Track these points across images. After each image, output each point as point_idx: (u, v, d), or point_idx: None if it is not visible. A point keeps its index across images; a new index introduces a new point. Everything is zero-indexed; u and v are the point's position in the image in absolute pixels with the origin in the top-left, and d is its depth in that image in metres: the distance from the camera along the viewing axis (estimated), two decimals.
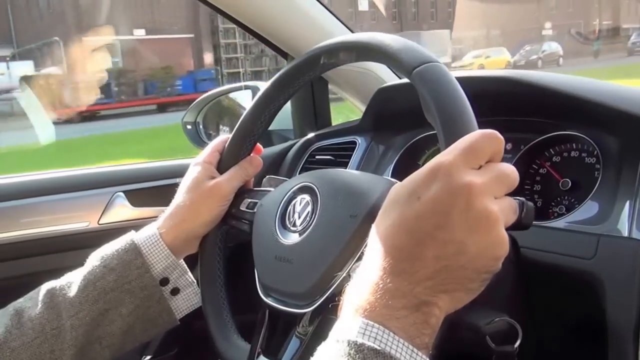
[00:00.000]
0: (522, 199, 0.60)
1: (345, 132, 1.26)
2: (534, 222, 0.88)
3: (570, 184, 0.93)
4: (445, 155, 0.52)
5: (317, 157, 1.27)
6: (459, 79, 0.94)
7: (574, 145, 0.95)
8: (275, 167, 1.31)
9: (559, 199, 0.95)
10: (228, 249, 0.90)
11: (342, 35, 0.79)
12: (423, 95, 0.62)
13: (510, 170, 0.54)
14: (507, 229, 0.63)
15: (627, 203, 0.80)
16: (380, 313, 0.49)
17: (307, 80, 0.82)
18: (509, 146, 1.03)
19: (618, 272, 0.76)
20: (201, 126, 1.51)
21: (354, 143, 1.22)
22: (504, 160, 1.01)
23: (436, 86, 0.61)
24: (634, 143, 0.82)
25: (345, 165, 1.20)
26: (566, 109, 0.90)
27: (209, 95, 1.51)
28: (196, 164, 0.87)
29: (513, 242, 0.87)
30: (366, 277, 0.51)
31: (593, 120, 0.89)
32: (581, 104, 0.85)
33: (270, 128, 1.52)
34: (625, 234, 0.78)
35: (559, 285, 0.83)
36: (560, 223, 0.87)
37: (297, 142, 1.34)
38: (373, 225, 0.55)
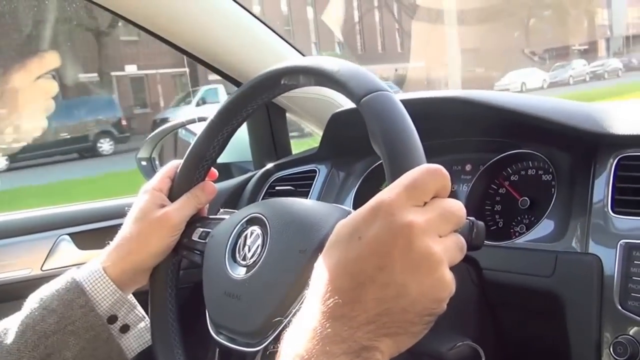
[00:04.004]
0: (472, 218, 0.58)
1: (305, 161, 1.24)
2: (496, 243, 0.88)
3: (529, 203, 0.93)
4: (388, 193, 0.51)
5: (277, 188, 1.25)
6: (412, 101, 0.96)
7: (530, 163, 0.95)
8: (234, 200, 1.28)
9: (519, 217, 0.95)
10: (188, 288, 0.86)
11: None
12: (370, 126, 0.60)
13: (456, 207, 0.52)
14: None
15: (582, 218, 0.80)
16: None
17: (262, 101, 0.79)
18: (469, 167, 1.03)
19: (577, 288, 0.75)
20: (157, 162, 1.48)
21: (314, 172, 1.21)
22: (463, 181, 1.04)
23: (383, 117, 0.59)
24: (584, 158, 0.82)
25: (306, 195, 1.18)
26: (518, 127, 0.90)
27: (163, 130, 1.48)
28: (145, 191, 0.83)
29: (475, 264, 0.86)
30: (305, 322, 0.49)
31: (545, 138, 0.89)
32: (531, 122, 0.86)
33: (229, 160, 1.53)
34: (582, 249, 0.78)
35: (522, 305, 0.82)
36: (520, 242, 0.86)
37: (255, 173, 1.32)
38: (315, 265, 0.52)
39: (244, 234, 0.74)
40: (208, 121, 0.83)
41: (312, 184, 1.18)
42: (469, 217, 0.59)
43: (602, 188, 0.79)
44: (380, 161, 1.16)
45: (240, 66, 1.23)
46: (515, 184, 0.97)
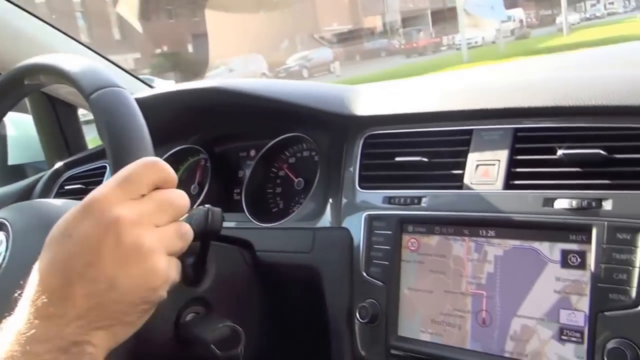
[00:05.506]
0: (208, 206, 0.61)
1: (96, 157, 1.20)
2: (271, 225, 0.92)
3: (303, 183, 0.98)
4: (100, 189, 0.51)
5: (66, 187, 1.20)
6: (171, 94, 0.97)
7: (304, 145, 1.00)
8: None
9: (296, 198, 0.99)
10: None
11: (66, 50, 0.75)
12: (97, 122, 0.61)
13: (175, 197, 0.54)
14: (196, 239, 0.64)
15: (336, 196, 0.86)
16: None
17: (14, 102, 0.76)
18: (253, 152, 1.07)
19: (331, 261, 0.81)
20: None
21: (105, 168, 1.17)
22: (248, 166, 1.07)
23: (108, 114, 0.59)
24: (338, 138, 0.88)
25: None
26: (278, 112, 0.94)
27: None
28: None
29: (250, 247, 0.89)
30: (13, 324, 0.49)
31: (306, 121, 0.94)
32: (281, 107, 0.90)
33: (23, 161, 1.45)
34: (336, 224, 0.84)
35: (289, 281, 0.87)
36: (289, 222, 0.91)
37: (45, 174, 1.25)
38: (33, 267, 0.52)
39: None
40: None
41: (102, 181, 1.15)
42: (206, 205, 0.62)
43: (352, 165, 0.85)
44: (173, 150, 1.16)
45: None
46: (293, 167, 1.01)
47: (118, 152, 0.58)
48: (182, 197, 0.55)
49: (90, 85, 0.62)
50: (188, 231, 0.55)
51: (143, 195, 0.52)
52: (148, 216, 0.51)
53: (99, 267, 0.49)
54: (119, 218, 0.49)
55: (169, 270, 0.52)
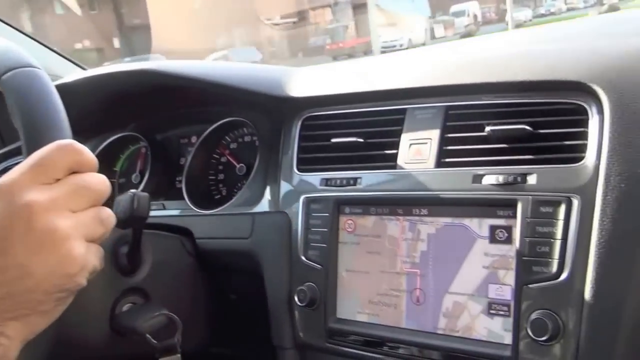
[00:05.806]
0: (135, 191, 0.60)
1: None
2: (211, 212, 0.91)
3: (245, 169, 0.96)
4: (10, 174, 0.49)
5: None
6: (102, 77, 0.94)
7: (245, 130, 0.98)
8: None
9: (239, 184, 0.98)
10: None
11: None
12: (9, 104, 0.58)
13: (93, 181, 0.51)
14: (124, 225, 0.63)
15: (275, 180, 0.85)
16: None
17: None
18: (194, 139, 1.04)
19: (270, 245, 0.81)
20: None
21: None
22: (189, 153, 1.05)
23: (20, 95, 0.57)
24: (277, 123, 0.87)
25: None
26: (215, 95, 0.92)
27: None
28: None
29: (190, 235, 0.88)
30: None
31: (245, 104, 0.92)
32: (215, 89, 0.88)
33: None
34: (275, 209, 0.83)
35: (231, 268, 0.86)
36: (229, 208, 0.89)
37: None
38: None
39: None
40: None
41: None
42: (132, 190, 0.60)
43: (290, 148, 0.84)
44: (111, 139, 1.13)
45: None
46: (235, 152, 1.00)
47: (30, 135, 0.55)
48: (100, 181, 0.52)
49: (1, 66, 0.60)
50: (109, 216, 0.53)
51: (58, 180, 0.50)
52: (62, 201, 0.49)
53: (11, 254, 0.47)
54: (29, 203, 0.47)
55: (87, 256, 0.50)
